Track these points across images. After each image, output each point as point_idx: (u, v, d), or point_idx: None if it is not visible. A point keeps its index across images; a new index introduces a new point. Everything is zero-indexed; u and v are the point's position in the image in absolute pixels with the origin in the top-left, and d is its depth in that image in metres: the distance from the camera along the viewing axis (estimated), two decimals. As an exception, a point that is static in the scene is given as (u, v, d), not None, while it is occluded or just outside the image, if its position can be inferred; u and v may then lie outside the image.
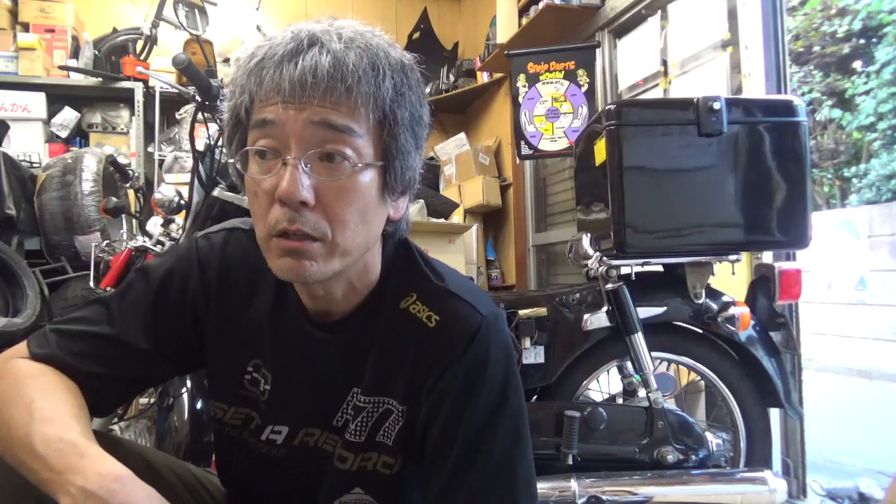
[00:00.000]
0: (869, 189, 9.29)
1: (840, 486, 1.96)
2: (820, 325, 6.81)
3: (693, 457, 1.55)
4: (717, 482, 1.50)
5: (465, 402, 0.71)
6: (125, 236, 2.60)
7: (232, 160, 0.72)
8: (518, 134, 2.83)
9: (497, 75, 3.90)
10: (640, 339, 1.57)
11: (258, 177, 0.66)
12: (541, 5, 3.00)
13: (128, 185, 2.52)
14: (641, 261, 1.60)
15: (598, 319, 1.61)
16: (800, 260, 1.94)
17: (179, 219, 1.86)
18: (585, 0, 2.96)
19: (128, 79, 3.49)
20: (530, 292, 2.61)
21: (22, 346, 0.76)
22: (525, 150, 2.82)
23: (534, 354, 1.65)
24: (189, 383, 1.52)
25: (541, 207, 3.69)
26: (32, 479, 0.62)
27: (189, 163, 2.45)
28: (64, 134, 3.53)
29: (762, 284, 1.65)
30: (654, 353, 1.62)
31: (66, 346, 0.74)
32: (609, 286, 1.58)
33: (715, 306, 1.61)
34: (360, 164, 0.65)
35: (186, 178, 2.04)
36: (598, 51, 2.88)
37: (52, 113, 3.50)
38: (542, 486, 1.44)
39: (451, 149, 4.01)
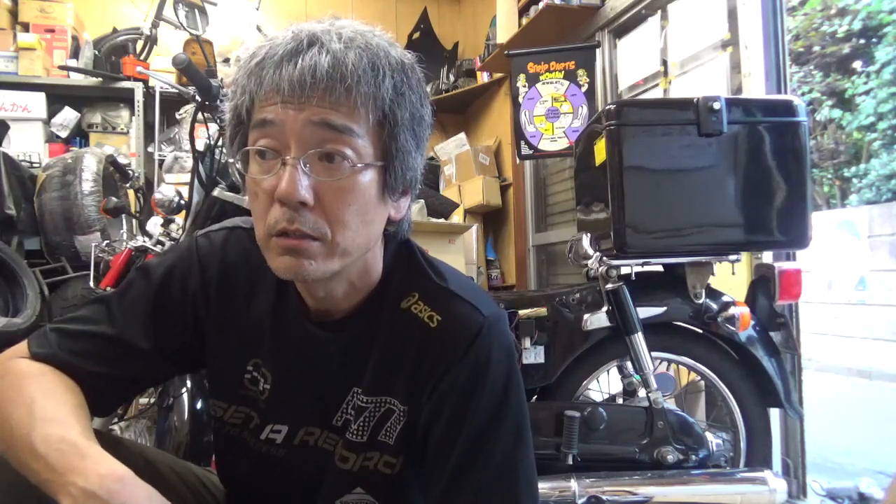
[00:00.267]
0: (869, 189, 9.31)
1: (840, 486, 1.96)
2: (820, 325, 6.82)
3: (693, 457, 1.55)
4: (717, 482, 1.51)
5: (466, 402, 0.71)
6: (125, 236, 2.60)
7: (233, 160, 0.72)
8: (518, 134, 2.83)
9: (497, 75, 3.90)
10: (640, 339, 1.57)
11: (258, 177, 0.66)
12: (541, 5, 3.00)
13: (128, 185, 2.52)
14: (641, 261, 1.60)
15: (598, 319, 1.61)
16: (800, 260, 1.94)
17: (179, 219, 1.86)
18: (585, 0, 2.96)
19: (128, 79, 3.48)
20: (530, 292, 2.61)
21: (22, 346, 0.75)
22: (525, 150, 2.82)
23: (534, 354, 1.65)
24: (189, 383, 1.52)
25: (541, 207, 3.68)
26: (33, 480, 0.62)
27: (189, 163, 2.45)
28: (64, 134, 3.53)
29: (762, 284, 1.65)
30: (654, 353, 1.62)
31: (66, 346, 0.74)
32: (609, 286, 1.59)
33: (715, 306, 1.61)
34: (359, 165, 0.65)
35: (186, 178, 2.04)
36: (598, 51, 2.88)
37: (52, 113, 3.50)
38: (543, 486, 1.44)
39: (451, 149, 4.01)
